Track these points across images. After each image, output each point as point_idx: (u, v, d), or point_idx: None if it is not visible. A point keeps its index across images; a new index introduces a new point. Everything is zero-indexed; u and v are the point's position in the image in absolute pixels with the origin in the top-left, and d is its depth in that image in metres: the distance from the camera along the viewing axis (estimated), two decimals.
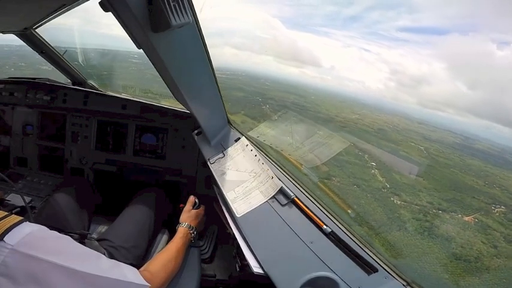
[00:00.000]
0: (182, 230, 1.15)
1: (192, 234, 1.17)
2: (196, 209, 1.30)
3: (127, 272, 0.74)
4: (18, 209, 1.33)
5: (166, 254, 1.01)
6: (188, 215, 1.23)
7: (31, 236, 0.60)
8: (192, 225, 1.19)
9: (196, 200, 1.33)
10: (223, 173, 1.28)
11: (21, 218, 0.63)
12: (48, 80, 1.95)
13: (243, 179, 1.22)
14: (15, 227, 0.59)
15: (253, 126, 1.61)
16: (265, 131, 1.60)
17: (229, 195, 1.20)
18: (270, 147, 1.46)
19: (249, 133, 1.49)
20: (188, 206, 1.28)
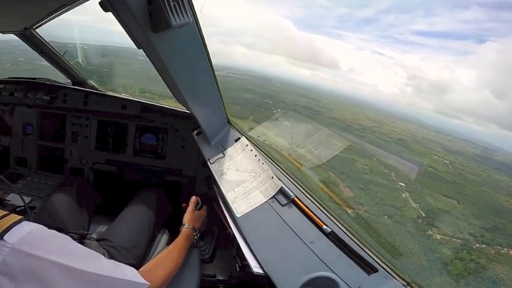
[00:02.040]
0: (186, 231, 1.15)
1: (195, 236, 1.17)
2: (198, 209, 1.30)
3: (127, 271, 0.74)
4: (23, 207, 1.33)
5: (168, 254, 1.00)
6: (191, 216, 1.22)
7: (31, 235, 0.60)
8: (195, 226, 1.19)
9: (199, 201, 1.33)
10: (223, 173, 1.28)
11: (20, 217, 0.63)
12: (48, 80, 1.95)
13: (243, 179, 1.22)
14: (14, 225, 0.59)
15: None
16: (265, 131, 1.60)
17: (229, 195, 1.20)
18: (270, 147, 1.46)
19: (249, 133, 1.49)
20: (191, 206, 1.27)
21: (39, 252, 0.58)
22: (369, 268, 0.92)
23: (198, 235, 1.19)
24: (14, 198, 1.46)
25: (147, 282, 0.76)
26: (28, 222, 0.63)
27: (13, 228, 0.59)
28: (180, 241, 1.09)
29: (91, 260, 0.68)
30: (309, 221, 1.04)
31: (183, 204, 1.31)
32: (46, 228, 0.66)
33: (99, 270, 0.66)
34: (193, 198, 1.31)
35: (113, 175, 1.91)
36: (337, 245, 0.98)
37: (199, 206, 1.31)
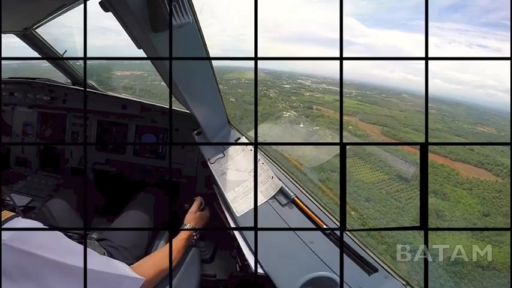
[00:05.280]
0: (186, 231, 1.14)
1: (195, 237, 1.17)
2: (202, 210, 1.29)
3: (119, 267, 0.75)
4: (23, 207, 1.33)
5: (164, 252, 1.01)
6: (194, 217, 1.22)
7: (23, 231, 0.60)
8: (196, 227, 1.18)
9: (203, 202, 1.32)
10: (223, 173, 1.28)
11: (13, 213, 0.63)
12: (48, 80, 1.95)
13: (243, 179, 1.22)
14: (6, 222, 0.60)
15: None
16: (265, 132, 1.60)
17: (229, 195, 1.20)
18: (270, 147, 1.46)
19: (249, 133, 1.49)
20: (194, 207, 1.26)
21: (31, 249, 0.58)
22: (369, 268, 0.93)
23: (198, 236, 1.19)
24: (14, 199, 1.46)
25: (140, 277, 0.76)
26: (21, 219, 0.64)
27: (4, 225, 0.59)
28: (178, 241, 1.08)
29: (82, 256, 0.68)
30: (309, 221, 1.04)
31: (185, 205, 1.31)
32: (40, 225, 0.66)
33: (92, 266, 0.66)
34: (198, 199, 1.30)
35: (113, 175, 1.91)
36: (337, 245, 0.98)
37: (202, 206, 1.31)
